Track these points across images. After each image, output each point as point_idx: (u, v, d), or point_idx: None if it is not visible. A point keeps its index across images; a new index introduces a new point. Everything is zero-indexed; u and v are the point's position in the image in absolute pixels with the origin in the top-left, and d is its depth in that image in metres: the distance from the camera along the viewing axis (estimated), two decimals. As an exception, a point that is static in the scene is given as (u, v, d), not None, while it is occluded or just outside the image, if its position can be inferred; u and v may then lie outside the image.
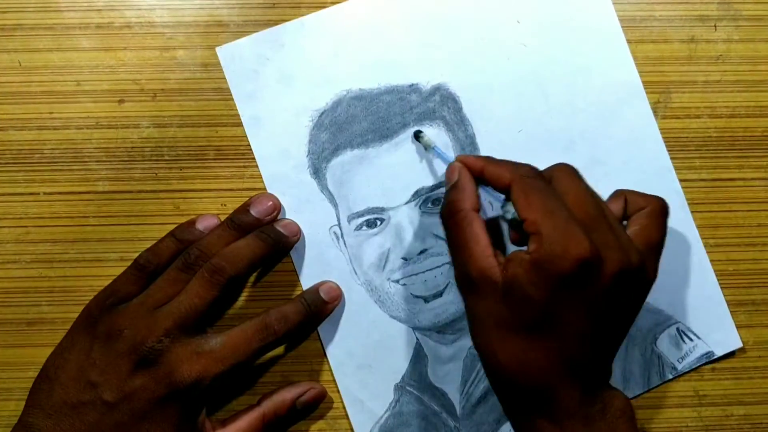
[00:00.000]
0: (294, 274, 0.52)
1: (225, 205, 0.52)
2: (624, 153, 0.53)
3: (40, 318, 0.52)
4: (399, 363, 0.52)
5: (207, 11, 0.53)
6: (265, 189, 0.52)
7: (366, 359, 0.52)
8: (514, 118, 0.53)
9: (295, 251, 0.52)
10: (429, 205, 0.52)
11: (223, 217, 0.51)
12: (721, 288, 0.53)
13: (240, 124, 0.52)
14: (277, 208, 0.51)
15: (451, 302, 0.52)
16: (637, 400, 0.53)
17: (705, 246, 0.53)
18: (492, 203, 0.45)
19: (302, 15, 0.53)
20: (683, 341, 0.52)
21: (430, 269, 0.52)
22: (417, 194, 0.52)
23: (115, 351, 0.46)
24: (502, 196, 0.44)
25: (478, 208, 0.44)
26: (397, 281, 0.52)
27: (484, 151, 0.53)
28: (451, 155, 0.51)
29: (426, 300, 0.52)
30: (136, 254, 0.50)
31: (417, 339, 0.52)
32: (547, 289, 0.40)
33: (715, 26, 0.54)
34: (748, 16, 0.54)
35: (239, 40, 0.52)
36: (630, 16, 0.53)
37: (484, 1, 0.53)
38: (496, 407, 0.52)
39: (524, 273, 0.41)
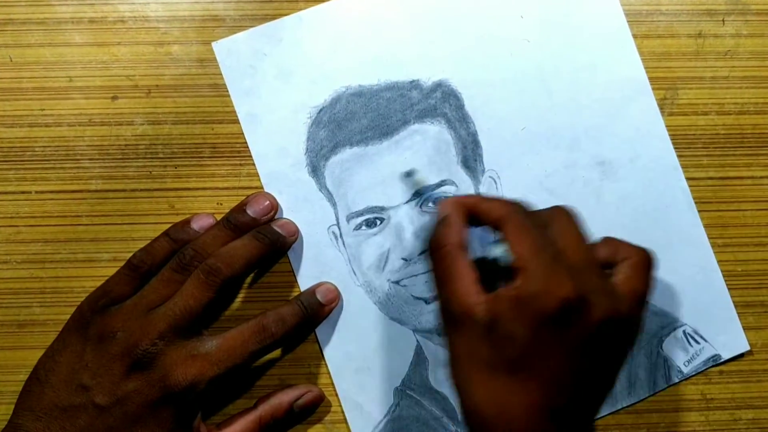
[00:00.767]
0: (291, 275, 0.52)
1: (221, 204, 0.52)
2: (630, 151, 0.52)
3: (31, 320, 0.52)
4: (399, 366, 0.52)
5: (202, 5, 0.52)
6: (262, 188, 0.52)
7: (365, 362, 0.52)
8: (518, 116, 0.52)
9: (293, 251, 0.52)
10: (430, 204, 0.52)
11: (219, 217, 0.51)
12: (729, 289, 0.53)
13: (236, 121, 0.52)
14: (275, 207, 0.51)
15: (453, 304, 0.51)
16: (643, 404, 0.52)
17: (712, 246, 0.53)
18: (482, 241, 0.45)
19: (300, 9, 0.52)
20: (690, 344, 0.52)
21: (430, 270, 0.51)
22: (418, 193, 0.52)
23: (108, 353, 0.46)
24: (493, 238, 0.44)
25: (465, 244, 0.44)
26: (397, 282, 0.52)
27: (486, 149, 0.52)
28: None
29: (427, 301, 0.52)
30: (130, 254, 0.49)
31: (417, 341, 0.52)
32: (529, 327, 0.40)
33: (723, 21, 0.53)
34: (757, 10, 0.53)
35: (236, 35, 0.52)
36: (636, 11, 0.53)
37: (487, -5, 0.53)
38: (498, 411, 0.51)
39: (507, 309, 0.40)
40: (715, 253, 0.53)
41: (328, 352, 0.52)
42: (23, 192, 0.52)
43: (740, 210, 0.53)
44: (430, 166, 0.52)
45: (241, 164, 0.52)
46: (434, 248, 0.44)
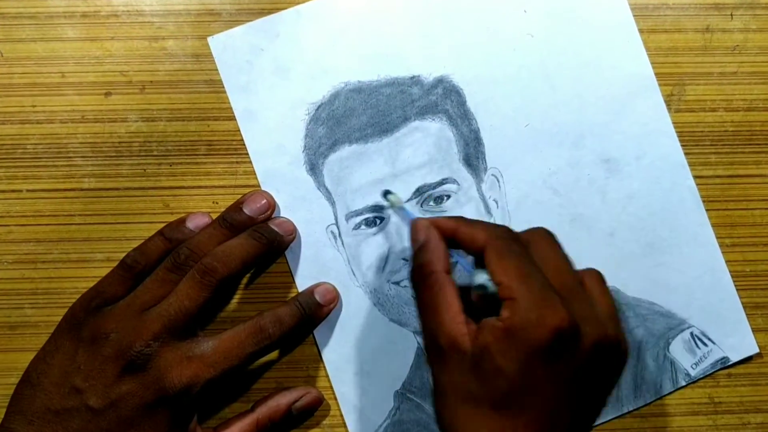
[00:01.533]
0: (289, 275, 0.52)
1: (217, 203, 0.51)
2: (636, 148, 0.52)
3: (22, 321, 0.51)
4: (399, 369, 0.52)
5: (198, -1, 0.52)
6: (259, 186, 0.52)
7: (364, 365, 0.51)
8: (521, 112, 0.52)
9: (291, 251, 0.51)
10: (431, 203, 0.51)
11: (214, 216, 0.50)
12: (738, 290, 0.52)
13: (233, 118, 0.52)
14: (272, 206, 0.50)
15: (454, 305, 0.51)
16: (649, 408, 0.52)
17: (720, 246, 0.52)
18: (463, 267, 0.44)
19: (298, 3, 0.52)
20: (697, 346, 0.52)
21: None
22: (419, 191, 0.51)
23: (101, 355, 0.45)
24: (471, 260, 0.43)
25: (449, 270, 0.43)
26: (398, 283, 0.51)
27: (489, 146, 0.52)
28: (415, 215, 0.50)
29: None
30: (124, 254, 0.49)
31: (418, 343, 0.52)
32: (519, 360, 0.39)
33: (731, 15, 0.53)
34: (766, 4, 0.53)
35: (232, 29, 0.52)
36: (642, 5, 0.53)
37: (489, -11, 0.52)
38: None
39: (495, 342, 0.39)
40: (723, 253, 0.52)
41: (326, 355, 0.51)
42: (14, 190, 0.51)
43: (749, 209, 0.53)
44: (431, 164, 0.52)
45: (237, 162, 0.52)
46: (420, 276, 0.43)
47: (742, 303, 0.52)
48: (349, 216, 0.51)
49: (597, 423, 0.51)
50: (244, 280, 0.52)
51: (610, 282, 0.44)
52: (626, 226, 0.52)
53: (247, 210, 0.50)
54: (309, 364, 0.52)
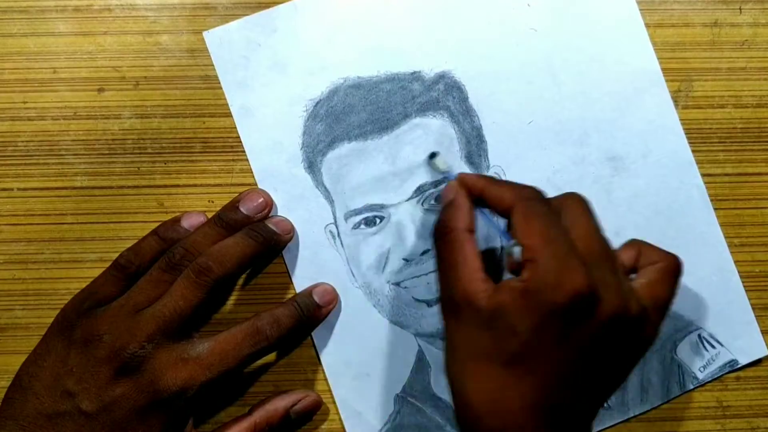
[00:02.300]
0: (286, 276, 0.51)
1: (213, 202, 0.51)
2: (642, 146, 0.52)
3: (13, 323, 0.51)
4: (399, 372, 0.51)
5: (193, -7, 0.52)
6: (255, 184, 0.51)
7: (364, 368, 0.51)
8: (524, 109, 0.52)
9: (288, 251, 0.51)
10: (432, 202, 0.51)
11: (210, 215, 0.50)
12: (747, 291, 0.52)
13: (229, 115, 0.51)
14: (269, 205, 0.50)
15: (456, 306, 0.50)
16: (656, 412, 0.51)
17: (729, 246, 0.52)
18: (491, 228, 0.44)
19: (296, -3, 0.51)
20: (705, 349, 0.51)
21: (433, 271, 0.50)
22: (420, 190, 0.51)
23: (93, 357, 0.45)
24: (502, 224, 0.43)
25: (473, 229, 0.43)
26: (398, 284, 0.51)
27: (492, 144, 0.52)
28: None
29: (429, 304, 0.51)
30: (117, 255, 0.49)
31: (419, 346, 0.51)
32: (533, 320, 0.39)
33: (740, 9, 0.52)
34: (776, -2, 0.53)
35: (228, 24, 0.51)
36: (649, -2, 0.52)
37: (492, -18, 0.52)
38: (504, 419, 0.50)
39: (512, 301, 0.40)
40: (732, 253, 0.52)
41: (325, 358, 0.51)
42: (5, 189, 0.51)
43: (758, 208, 0.52)
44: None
45: (233, 160, 0.51)
46: (440, 232, 0.43)
47: (752, 304, 0.52)
48: (348, 215, 0.51)
49: (601, 428, 0.51)
50: (240, 281, 0.51)
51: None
52: (632, 225, 0.51)
53: (243, 209, 0.49)
54: (307, 366, 0.51)
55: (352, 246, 0.51)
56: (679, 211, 0.51)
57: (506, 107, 0.52)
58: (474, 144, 0.51)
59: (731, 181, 0.52)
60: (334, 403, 0.51)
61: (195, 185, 0.51)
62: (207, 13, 0.51)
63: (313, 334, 0.51)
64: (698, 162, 0.52)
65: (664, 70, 0.52)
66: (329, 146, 0.51)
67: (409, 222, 0.51)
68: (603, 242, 0.42)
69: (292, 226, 0.50)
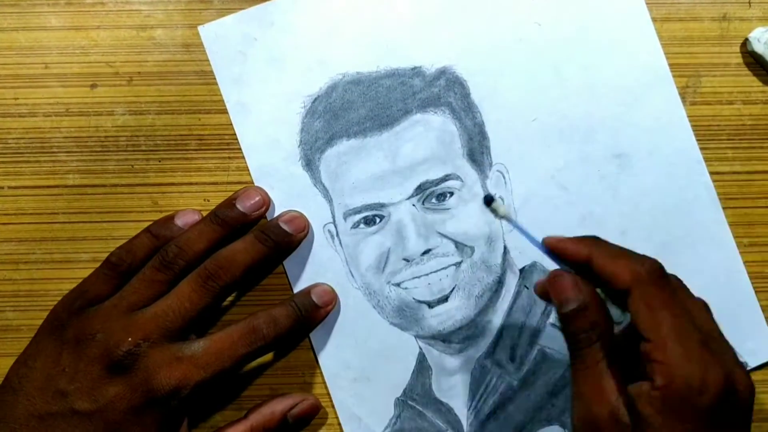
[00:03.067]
0: (283, 277, 0.51)
1: (208, 201, 0.51)
2: (649, 143, 0.51)
3: (3, 325, 0.51)
4: (400, 375, 0.51)
5: (188, -14, 0.51)
6: (252, 182, 0.51)
7: (363, 371, 0.50)
8: (528, 105, 0.51)
9: None
10: (433, 200, 0.50)
11: (205, 214, 0.49)
12: (756, 292, 0.51)
13: (225, 111, 0.51)
14: (266, 203, 0.49)
15: (458, 308, 0.50)
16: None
17: (738, 246, 0.51)
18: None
19: (293, -10, 0.51)
20: None
21: (434, 271, 0.50)
22: (420, 188, 0.50)
23: (86, 356, 0.45)
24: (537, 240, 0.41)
25: (609, 335, 0.40)
26: (398, 285, 0.50)
27: (494, 141, 0.51)
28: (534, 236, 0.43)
29: (430, 305, 0.50)
30: None
31: (420, 348, 0.51)
32: (685, 428, 0.37)
33: (749, 2, 0.52)
34: (786, -9, 0.52)
35: (224, 18, 0.51)
36: (656, -8, 0.52)
37: (495, -25, 0.52)
38: (507, 423, 0.50)
39: (656, 414, 0.37)
40: (740, 253, 0.51)
41: (323, 360, 0.50)
42: (-5, 187, 0.51)
43: (768, 207, 0.52)
44: (434, 160, 0.51)
45: (230, 157, 0.51)
46: (578, 346, 0.40)
47: (761, 305, 0.51)
48: (348, 214, 0.50)
49: None
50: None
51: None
52: (639, 224, 0.51)
53: (240, 206, 0.49)
54: (305, 369, 0.51)
55: (351, 246, 0.50)
56: (687, 210, 0.51)
57: (509, 103, 0.51)
58: (476, 141, 0.51)
59: (740, 179, 0.52)
60: (332, 406, 0.50)
61: (190, 183, 0.51)
62: (202, 6, 0.51)
63: (311, 335, 0.50)
64: (706, 160, 0.51)
65: (671, 65, 0.51)
66: (327, 143, 0.51)
67: (409, 221, 0.50)
68: (710, 316, 0.41)
69: (307, 221, 0.50)
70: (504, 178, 0.51)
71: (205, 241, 0.47)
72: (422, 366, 0.51)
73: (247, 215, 0.49)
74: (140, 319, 0.45)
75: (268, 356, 0.50)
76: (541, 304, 0.50)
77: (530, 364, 0.50)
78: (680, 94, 0.51)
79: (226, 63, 0.51)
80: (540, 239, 0.42)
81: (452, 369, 0.51)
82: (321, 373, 0.50)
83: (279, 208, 0.50)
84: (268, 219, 0.50)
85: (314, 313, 0.49)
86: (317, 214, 0.50)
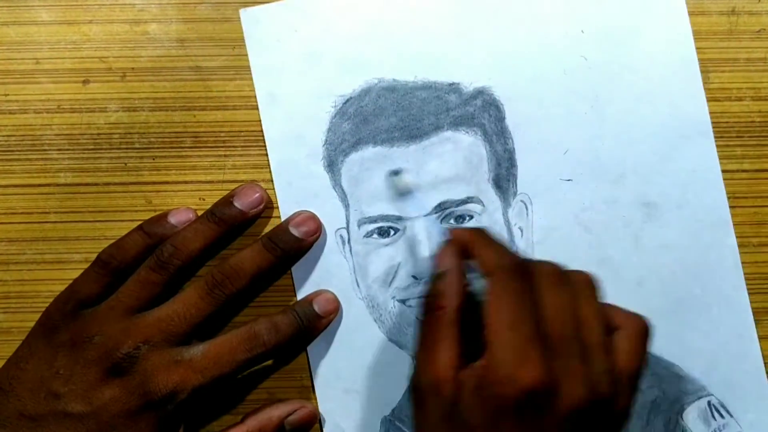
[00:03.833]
0: (288, 277, 0.50)
1: (204, 200, 0.50)
2: (679, 196, 0.50)
3: None
4: (391, 393, 0.50)
5: (182, -20, 0.51)
6: (249, 181, 0.50)
7: (354, 383, 0.50)
8: (561, 139, 0.50)
9: None
10: (452, 221, 0.50)
11: (201, 213, 0.49)
12: (756, 324, 0.50)
13: (220, 108, 0.50)
14: (264, 200, 0.49)
15: (460, 334, 0.49)
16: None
17: (747, 246, 0.50)
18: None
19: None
20: (713, 417, 0.50)
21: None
22: (440, 207, 0.50)
23: (83, 358, 0.45)
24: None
25: (460, 309, 0.41)
26: (403, 301, 0.50)
27: (522, 170, 0.50)
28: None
29: None
30: None
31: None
32: (488, 415, 0.38)
33: (759, -5, 0.51)
34: (797, -16, 0.51)
35: (268, 4, 0.50)
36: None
37: (547, 2, 0.50)
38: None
39: (469, 392, 0.39)
40: (749, 254, 0.50)
41: (315, 366, 0.50)
42: (-16, 187, 0.50)
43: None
44: (458, 180, 0.50)
45: (225, 155, 0.50)
46: (428, 307, 0.42)
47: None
48: (362, 222, 0.50)
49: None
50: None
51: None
52: (657, 277, 0.50)
53: (238, 203, 0.48)
54: (303, 374, 0.50)
55: (362, 254, 0.50)
56: (708, 270, 0.50)
57: (543, 134, 0.50)
58: (504, 167, 0.50)
59: (749, 177, 0.51)
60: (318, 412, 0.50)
61: (185, 182, 0.50)
62: (197, 0, 0.50)
63: (307, 341, 0.50)
64: (713, 158, 0.51)
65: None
66: (353, 147, 0.50)
67: (424, 238, 0.49)
68: (575, 322, 0.40)
69: (320, 223, 0.49)
70: (527, 209, 0.50)
71: (202, 240, 0.47)
72: (415, 388, 0.50)
73: (246, 213, 0.48)
74: (141, 322, 0.45)
75: (267, 362, 0.49)
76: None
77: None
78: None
79: (262, 50, 0.50)
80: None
81: (445, 395, 0.50)
82: (311, 378, 0.50)
83: (293, 206, 0.49)
84: (280, 220, 0.49)
85: (316, 323, 0.49)
86: (331, 218, 0.50)
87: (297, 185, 0.50)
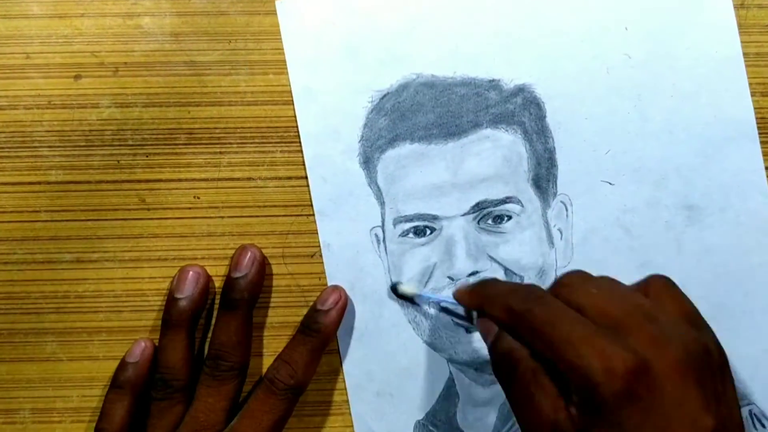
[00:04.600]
0: (323, 277, 0.49)
1: (198, 198, 0.50)
2: (722, 200, 0.50)
3: None
4: (425, 397, 0.49)
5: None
6: (246, 179, 0.50)
7: (388, 386, 0.49)
8: (603, 139, 0.50)
9: (328, 249, 0.49)
10: (489, 221, 0.49)
11: (194, 213, 0.49)
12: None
13: (215, 104, 0.50)
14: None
15: (497, 337, 0.48)
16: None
17: None
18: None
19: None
20: (755, 426, 0.50)
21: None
22: (478, 206, 0.49)
23: None
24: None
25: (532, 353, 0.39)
26: (439, 303, 0.49)
27: (562, 170, 0.50)
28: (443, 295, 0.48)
29: (468, 330, 0.49)
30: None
31: (450, 373, 0.50)
32: (633, 419, 0.35)
33: (768, -12, 0.51)
34: (807, -24, 0.51)
35: None
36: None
37: (591, -2, 0.50)
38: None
39: (579, 415, 0.36)
40: None
41: (347, 368, 0.49)
42: (-27, 185, 0.50)
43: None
44: (497, 179, 0.49)
45: (221, 152, 0.50)
46: (509, 368, 0.39)
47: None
48: (398, 221, 0.49)
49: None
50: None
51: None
52: (698, 281, 0.49)
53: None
54: (335, 376, 0.49)
55: (397, 254, 0.49)
56: (750, 275, 0.49)
57: (585, 133, 0.50)
58: (544, 167, 0.49)
59: None
60: (349, 414, 0.49)
61: (179, 180, 0.50)
62: None
63: (340, 341, 0.49)
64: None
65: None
66: (390, 144, 0.49)
67: (461, 238, 0.49)
68: (626, 297, 0.39)
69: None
70: (567, 210, 0.49)
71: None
72: (450, 392, 0.49)
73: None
74: None
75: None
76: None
77: (563, 408, 0.48)
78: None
79: (298, 43, 0.49)
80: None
81: (480, 400, 0.49)
82: (344, 380, 0.49)
83: (327, 204, 0.49)
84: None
85: (324, 320, 0.48)
86: (366, 216, 0.49)
87: (331, 181, 0.49)
